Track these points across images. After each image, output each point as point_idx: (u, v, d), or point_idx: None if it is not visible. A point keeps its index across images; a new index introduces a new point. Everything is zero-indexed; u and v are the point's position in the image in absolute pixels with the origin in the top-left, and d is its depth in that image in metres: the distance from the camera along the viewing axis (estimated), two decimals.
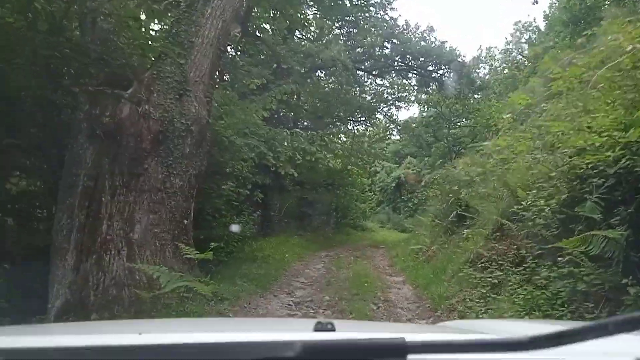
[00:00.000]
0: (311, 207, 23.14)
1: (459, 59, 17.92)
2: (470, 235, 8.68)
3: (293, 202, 22.62)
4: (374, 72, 18.91)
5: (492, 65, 26.83)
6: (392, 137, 40.87)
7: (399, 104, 20.93)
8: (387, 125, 23.51)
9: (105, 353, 0.84)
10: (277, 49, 13.32)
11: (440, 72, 18.48)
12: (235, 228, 10.07)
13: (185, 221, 6.33)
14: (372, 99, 20.63)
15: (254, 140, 8.82)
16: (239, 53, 14.81)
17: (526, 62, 30.64)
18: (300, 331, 1.38)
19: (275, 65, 14.19)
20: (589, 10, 20.27)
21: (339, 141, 23.25)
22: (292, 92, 16.67)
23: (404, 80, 20.51)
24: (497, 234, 7.08)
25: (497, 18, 66.11)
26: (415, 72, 18.79)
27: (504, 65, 26.83)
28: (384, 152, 29.36)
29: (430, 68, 18.58)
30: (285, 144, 8.85)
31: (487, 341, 0.88)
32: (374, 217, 37.08)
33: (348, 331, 1.40)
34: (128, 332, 1.37)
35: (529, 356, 0.77)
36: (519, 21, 36.12)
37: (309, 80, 21.08)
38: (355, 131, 23.06)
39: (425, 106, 21.98)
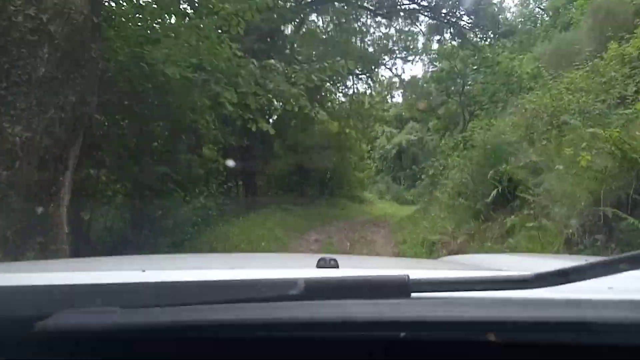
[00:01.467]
0: (304, 175, 20.43)
1: None
2: (520, 224, 5.90)
3: (284, 170, 19.95)
4: (378, 13, 15.61)
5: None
6: (395, 100, 37.93)
7: (406, 55, 17.78)
8: (391, 81, 20.37)
9: (108, 291, 0.82)
10: None
11: (458, 14, 15.16)
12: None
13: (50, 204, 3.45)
14: (375, 49, 17.44)
15: (203, 76, 5.83)
16: None
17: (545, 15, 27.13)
18: (303, 267, 1.33)
19: None
20: None
21: (337, 99, 20.26)
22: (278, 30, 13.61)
23: (413, 27, 17.34)
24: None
25: None
26: (427, 13, 15.43)
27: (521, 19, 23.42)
28: (385, 114, 26.33)
29: (444, 11, 15.23)
30: (253, 83, 6.00)
31: (491, 278, 0.87)
32: (372, 187, 34.51)
33: (351, 267, 1.34)
34: (130, 268, 1.30)
35: (534, 293, 0.75)
36: None
37: (299, 24, 17.94)
38: (355, 89, 19.93)
39: (436, 59, 18.74)
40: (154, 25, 5.91)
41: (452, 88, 18.60)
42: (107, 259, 2.57)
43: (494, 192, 6.90)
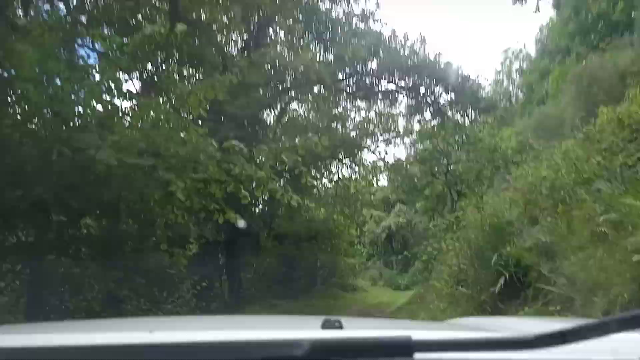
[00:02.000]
0: (292, 266, 19.29)
1: (459, 74, 14.53)
2: None
3: (272, 262, 18.84)
4: (357, 95, 15.40)
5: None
6: (380, 183, 37.61)
7: (388, 138, 17.44)
8: (376, 165, 19.91)
9: (118, 352, 0.84)
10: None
11: (436, 92, 15.02)
12: None
13: None
14: (357, 133, 17.11)
15: (149, 161, 4.86)
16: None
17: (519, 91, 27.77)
18: (308, 329, 1.37)
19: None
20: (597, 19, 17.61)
21: (322, 186, 19.67)
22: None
23: (392, 109, 17.16)
24: None
25: (484, 47, 63.89)
26: (406, 93, 15.22)
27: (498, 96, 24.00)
28: (372, 198, 25.76)
29: (422, 90, 15.11)
30: (212, 167, 5.12)
31: (493, 339, 0.87)
32: (364, 273, 33.08)
33: (355, 329, 1.39)
34: (139, 330, 1.36)
35: (534, 354, 0.77)
36: (508, 49, 33.70)
37: (281, 112, 17.76)
38: (340, 174, 19.41)
39: (418, 139, 18.47)
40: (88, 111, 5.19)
41: (436, 168, 18.19)
42: (112, 321, 2.78)
43: (501, 280, 5.93)
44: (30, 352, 0.87)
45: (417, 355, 0.75)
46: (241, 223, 6.44)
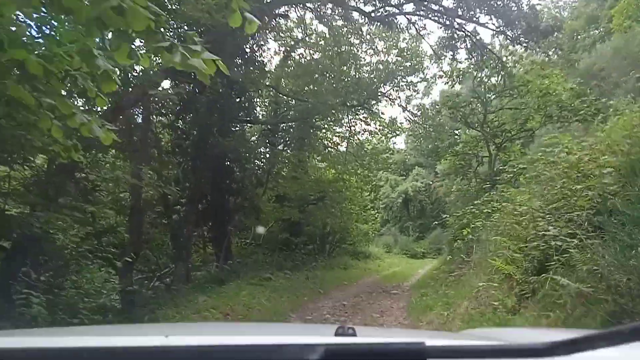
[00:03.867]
0: (296, 232, 17.02)
1: None
2: None
3: (274, 227, 16.61)
4: (376, 17, 12.24)
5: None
6: (397, 147, 34.69)
7: (412, 81, 14.57)
8: (394, 120, 17.14)
9: (136, 354, 0.86)
10: None
11: (476, 19, 11.75)
12: None
13: None
14: (374, 76, 14.31)
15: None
16: None
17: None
18: (322, 335, 1.38)
19: None
20: None
21: (330, 140, 17.15)
22: None
23: (418, 43, 14.17)
24: None
25: None
26: (437, 16, 11.86)
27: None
28: (388, 159, 23.18)
29: (459, 17, 11.84)
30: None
31: (504, 348, 0.87)
32: (377, 240, 30.89)
33: (369, 336, 1.42)
34: (154, 334, 1.38)
35: None
36: None
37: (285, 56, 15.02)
38: (352, 126, 16.78)
39: (450, 80, 15.49)
40: None
41: (469, 119, 15.32)
42: (129, 326, 3.22)
43: None
44: (52, 352, 0.89)
45: None
46: None
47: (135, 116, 10.58)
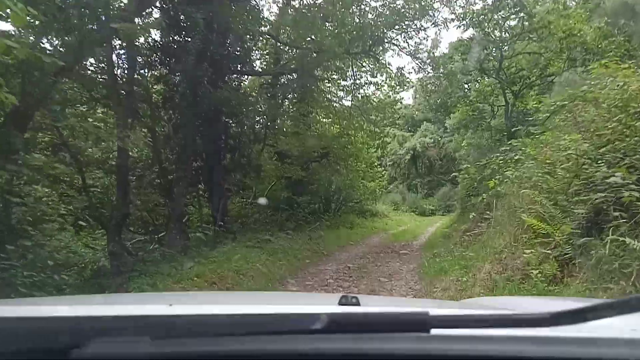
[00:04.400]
0: (298, 191, 16.28)
1: None
2: None
3: (276, 186, 15.90)
4: None
5: None
6: (405, 102, 33.33)
7: (420, 26, 13.36)
8: (402, 71, 15.99)
9: (141, 322, 0.84)
10: None
11: None
12: None
13: None
14: (376, 17, 13.14)
15: None
16: None
17: None
18: (325, 304, 1.35)
19: None
20: None
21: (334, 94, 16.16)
22: None
23: None
24: None
25: None
26: None
27: None
28: (396, 114, 22.10)
29: None
30: None
31: (510, 317, 0.87)
32: (385, 198, 30.16)
33: (372, 305, 1.38)
34: (158, 303, 1.35)
35: (551, 332, 0.76)
36: None
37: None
38: (357, 79, 15.71)
39: (463, 24, 14.19)
40: None
41: (487, 62, 14.11)
42: (132, 295, 3.24)
43: None
44: (57, 321, 0.89)
45: (433, 331, 0.74)
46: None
47: (118, 68, 9.70)
